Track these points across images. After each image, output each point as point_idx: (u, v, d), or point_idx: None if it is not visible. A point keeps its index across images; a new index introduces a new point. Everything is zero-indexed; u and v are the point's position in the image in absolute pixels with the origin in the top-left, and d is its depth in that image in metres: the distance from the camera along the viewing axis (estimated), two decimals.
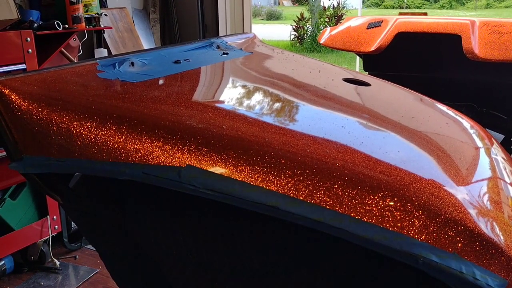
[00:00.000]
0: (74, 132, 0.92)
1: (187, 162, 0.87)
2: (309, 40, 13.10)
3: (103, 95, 1.05)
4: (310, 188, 0.85)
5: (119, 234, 1.21)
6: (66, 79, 1.06)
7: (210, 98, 1.18)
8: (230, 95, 1.25)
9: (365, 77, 1.66)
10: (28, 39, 2.17)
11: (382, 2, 24.27)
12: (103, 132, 0.91)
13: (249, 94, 1.29)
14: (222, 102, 1.17)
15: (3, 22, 1.91)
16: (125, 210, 1.14)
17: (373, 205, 0.83)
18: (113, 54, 3.20)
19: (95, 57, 3.08)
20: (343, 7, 13.95)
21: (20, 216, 2.28)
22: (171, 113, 1.00)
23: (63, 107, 0.95)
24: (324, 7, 13.98)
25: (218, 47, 1.56)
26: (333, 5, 13.58)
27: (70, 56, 2.84)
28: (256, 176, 0.86)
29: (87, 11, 2.57)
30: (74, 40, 2.90)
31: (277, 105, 1.25)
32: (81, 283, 2.38)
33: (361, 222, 0.81)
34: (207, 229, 1.08)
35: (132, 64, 1.21)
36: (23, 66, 2.16)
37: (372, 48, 2.96)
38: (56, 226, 2.47)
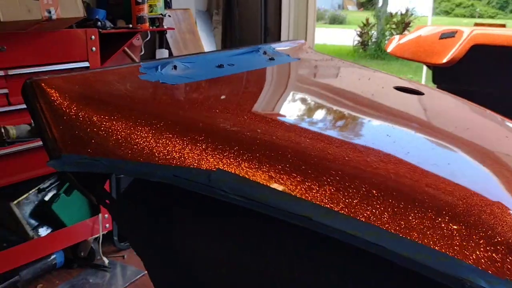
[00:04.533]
0: (109, 131, 0.91)
1: (218, 166, 0.83)
2: (373, 46, 12.73)
3: (140, 97, 1.05)
4: (347, 199, 0.77)
5: (160, 238, 1.18)
6: (107, 80, 1.06)
7: (246, 102, 1.12)
8: (268, 100, 1.19)
9: (418, 85, 1.53)
10: (93, 37, 2.19)
11: (453, 10, 23.25)
12: (136, 133, 0.90)
13: (288, 100, 1.23)
14: (259, 106, 1.10)
15: (69, 20, 1.92)
16: (171, 216, 1.11)
17: (421, 223, 0.74)
18: (174, 54, 3.20)
19: (156, 57, 3.10)
20: (411, 14, 13.44)
21: (73, 212, 2.31)
22: (205, 115, 0.97)
23: (101, 107, 0.94)
24: (391, 13, 13.53)
25: (264, 52, 1.50)
26: (401, 11, 13.11)
27: (133, 55, 2.86)
28: (289, 183, 0.80)
29: (151, 11, 2.57)
30: (138, 40, 2.92)
31: (317, 111, 1.16)
32: (128, 284, 2.37)
33: (401, 238, 0.72)
34: (249, 237, 1.02)
35: (175, 67, 1.20)
36: (86, 63, 2.18)
37: (444, 60, 2.77)
38: (107, 225, 2.48)
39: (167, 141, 0.89)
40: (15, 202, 2.26)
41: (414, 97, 1.36)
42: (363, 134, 1.02)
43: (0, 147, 1.81)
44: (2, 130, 1.80)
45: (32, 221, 2.28)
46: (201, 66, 1.30)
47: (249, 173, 0.83)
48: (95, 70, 1.08)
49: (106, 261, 2.49)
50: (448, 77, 3.04)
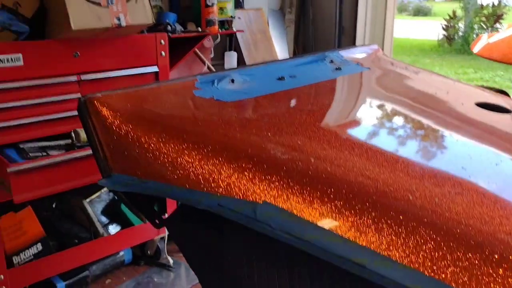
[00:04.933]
0: (156, 154, 0.88)
1: (264, 198, 0.77)
2: (459, 40, 11.90)
3: (189, 117, 1.01)
4: (409, 246, 0.68)
5: (210, 260, 1.15)
6: (160, 97, 1.03)
7: (302, 124, 1.02)
8: (327, 122, 1.07)
9: (507, 100, 1.33)
10: (162, 41, 2.22)
11: None
12: (183, 157, 0.86)
13: (349, 122, 1.10)
14: (315, 129, 0.99)
15: (138, 26, 1.95)
16: (223, 234, 1.08)
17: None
18: (244, 56, 3.17)
19: (225, 59, 3.10)
20: (505, 5, 12.37)
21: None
22: (255, 140, 0.90)
23: (151, 127, 0.92)
24: (482, 5, 12.55)
25: (331, 61, 1.38)
26: (493, 2, 12.11)
27: (203, 57, 2.88)
28: (342, 223, 0.71)
29: (221, 13, 2.56)
30: (209, 41, 2.93)
31: (382, 133, 1.04)
32: (191, 285, 2.40)
33: None
34: (294, 266, 0.95)
35: (232, 81, 1.13)
36: (155, 68, 2.22)
37: None
38: None
39: (214, 168, 0.84)
40: (88, 200, 2.37)
41: (500, 116, 1.20)
42: (436, 166, 0.89)
43: (72, 150, 1.89)
44: (73, 134, 1.88)
45: (103, 219, 2.38)
46: (261, 79, 1.24)
47: (297, 209, 0.76)
48: (151, 86, 1.06)
49: (171, 260, 2.54)
50: None
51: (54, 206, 2.37)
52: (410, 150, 0.95)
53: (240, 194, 0.81)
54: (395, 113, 1.17)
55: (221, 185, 0.82)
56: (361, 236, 0.71)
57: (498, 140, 1.09)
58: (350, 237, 0.72)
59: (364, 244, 0.71)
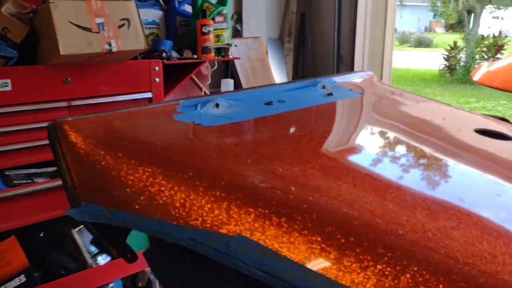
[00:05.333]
0: (126, 182, 0.82)
1: (240, 231, 0.69)
2: (461, 71, 11.94)
3: (164, 142, 0.94)
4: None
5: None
6: (136, 122, 0.97)
7: (284, 150, 0.95)
8: (312, 148, 1.00)
9: (509, 127, 1.25)
10: (157, 68, 2.19)
11: None
12: (154, 185, 0.79)
13: (339, 146, 1.03)
14: (300, 156, 0.92)
15: (131, 52, 1.92)
16: (206, 269, 1.00)
17: None
18: (242, 83, 3.14)
19: (221, 86, 3.07)
20: (506, 36, 12.46)
21: (131, 243, 2.28)
22: (232, 167, 0.84)
23: (122, 153, 0.85)
24: (482, 36, 12.65)
25: (323, 87, 1.33)
26: (494, 33, 12.20)
27: (200, 84, 2.85)
28: (323, 260, 0.64)
29: (218, 41, 2.54)
30: (207, 68, 2.91)
31: (371, 160, 0.97)
32: None
33: None
34: None
35: (217, 105, 1.07)
36: (149, 94, 2.18)
37: None
38: None
39: (186, 197, 0.77)
40: (77, 229, 2.29)
41: (501, 143, 1.13)
42: (428, 198, 0.82)
43: (58, 178, 1.82)
44: None
45: (92, 249, 2.29)
46: (248, 104, 1.18)
47: (275, 243, 0.69)
48: (128, 110, 1.01)
49: None
50: None
51: (42, 235, 2.29)
52: (402, 179, 0.88)
53: (214, 227, 0.73)
54: (386, 139, 1.10)
55: (194, 216, 0.75)
56: (344, 275, 0.64)
57: (500, 169, 1.01)
58: (332, 277, 0.64)
59: (347, 284, 0.63)
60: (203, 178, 0.79)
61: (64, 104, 1.90)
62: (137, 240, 2.18)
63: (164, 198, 0.79)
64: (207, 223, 0.74)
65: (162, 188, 0.80)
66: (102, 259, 2.27)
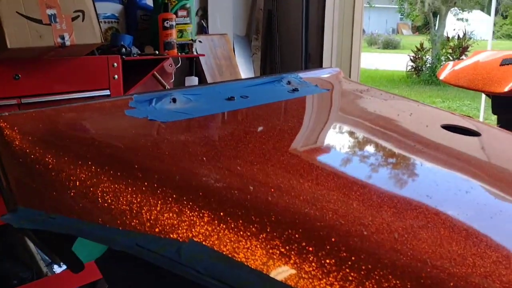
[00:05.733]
0: (67, 183, 0.74)
1: (192, 236, 0.63)
2: (427, 72, 12.20)
3: (113, 139, 0.85)
4: None
5: None
6: (81, 118, 0.88)
7: (245, 148, 0.88)
8: (275, 144, 0.93)
9: (474, 123, 1.23)
10: (115, 64, 2.09)
11: None
12: (98, 186, 0.72)
13: (302, 143, 0.98)
14: (260, 153, 0.85)
15: (86, 46, 1.81)
16: (163, 279, 0.93)
17: None
18: (208, 81, 3.07)
19: (185, 84, 2.98)
20: (470, 38, 12.81)
21: (88, 250, 2.17)
22: (187, 166, 0.76)
23: (63, 151, 0.77)
24: (448, 37, 12.97)
25: (288, 82, 1.28)
26: (458, 35, 12.52)
27: (163, 81, 2.76)
28: (282, 265, 0.58)
29: (181, 36, 2.45)
30: (170, 66, 2.82)
31: (335, 157, 0.91)
32: None
33: None
34: None
35: (174, 100, 1.00)
36: (107, 92, 2.08)
37: (506, 89, 2.46)
38: None
39: (132, 199, 0.70)
40: None
41: (468, 139, 1.10)
42: (395, 195, 0.77)
43: None
44: None
45: (47, 257, 2.16)
46: (208, 99, 1.11)
47: (230, 248, 0.62)
48: (73, 105, 0.92)
49: None
50: (510, 107, 2.70)
51: None
52: (368, 177, 0.83)
53: (163, 232, 0.66)
54: (353, 136, 1.06)
55: (141, 220, 0.68)
56: (305, 282, 0.58)
57: (467, 166, 0.98)
58: (292, 284, 0.58)
59: None
60: (152, 178, 0.71)
61: (14, 101, 1.78)
62: (91, 247, 2.06)
63: (109, 201, 0.71)
64: (156, 228, 0.67)
65: (107, 190, 0.72)
66: (58, 267, 2.15)
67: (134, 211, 0.69)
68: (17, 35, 1.56)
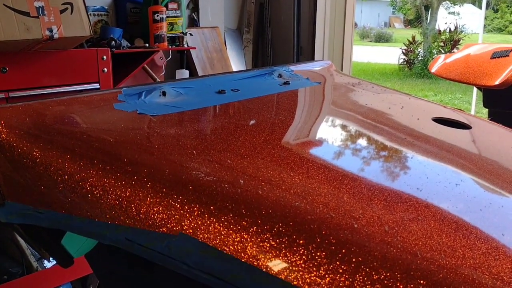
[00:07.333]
0: (55, 178, 0.73)
1: (182, 229, 0.62)
2: (419, 65, 12.24)
3: (101, 133, 0.84)
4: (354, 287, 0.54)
5: None
6: (69, 111, 0.87)
7: (236, 141, 0.88)
8: (266, 138, 0.92)
9: (465, 116, 1.24)
10: (105, 57, 2.06)
11: (506, 28, 22.24)
12: (86, 180, 0.71)
13: (293, 136, 0.97)
14: (251, 146, 0.85)
15: (75, 39, 1.79)
16: (153, 274, 0.92)
17: None
18: (199, 74, 3.05)
19: (176, 77, 2.96)
20: (461, 31, 12.86)
21: (79, 245, 2.15)
22: (176, 159, 0.76)
23: (49, 146, 0.76)
24: (439, 31, 13.01)
25: (279, 75, 1.27)
26: (450, 28, 12.57)
27: (154, 74, 2.74)
28: (272, 259, 0.58)
29: (171, 29, 2.43)
30: (161, 59, 2.80)
31: (327, 150, 0.91)
32: None
33: None
34: None
35: (164, 93, 0.99)
36: (97, 85, 2.06)
37: (497, 82, 2.46)
38: None
39: (121, 193, 0.69)
40: None
41: (458, 132, 1.10)
42: (384, 189, 0.77)
43: None
44: None
45: (37, 252, 2.15)
46: (198, 92, 1.10)
47: (220, 242, 0.62)
48: (61, 98, 0.91)
49: None
50: (501, 100, 2.71)
51: None
52: (359, 170, 0.82)
53: (153, 225, 0.66)
54: (344, 129, 1.05)
55: (130, 214, 0.67)
56: (296, 275, 0.57)
57: (458, 159, 0.98)
58: (283, 277, 0.58)
59: (299, 284, 0.57)
60: (141, 172, 0.71)
61: (1, 95, 1.76)
62: (81, 242, 2.05)
63: (97, 195, 0.70)
64: (145, 222, 0.66)
65: (96, 184, 0.71)
66: (49, 262, 2.14)
67: (124, 205, 0.68)
68: (4, 28, 1.53)
